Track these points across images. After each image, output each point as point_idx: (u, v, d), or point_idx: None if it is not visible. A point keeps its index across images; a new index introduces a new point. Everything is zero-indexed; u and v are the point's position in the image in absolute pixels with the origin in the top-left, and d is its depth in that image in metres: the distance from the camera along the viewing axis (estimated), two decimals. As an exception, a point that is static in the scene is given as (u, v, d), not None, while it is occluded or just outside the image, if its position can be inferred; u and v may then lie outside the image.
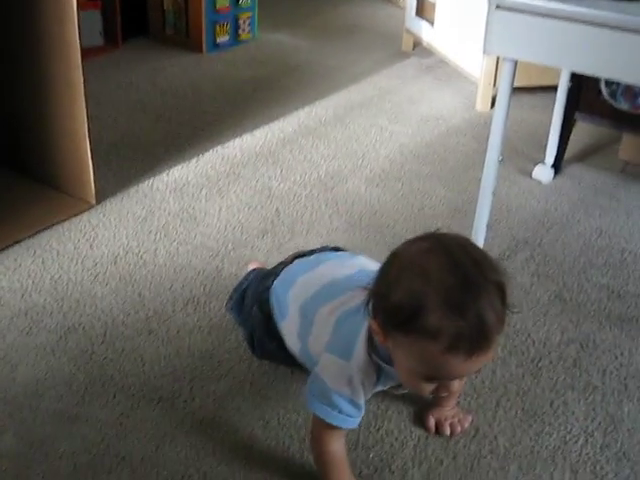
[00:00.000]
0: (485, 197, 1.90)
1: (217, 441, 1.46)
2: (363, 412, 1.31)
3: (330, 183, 2.36)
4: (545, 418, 1.54)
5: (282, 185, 2.34)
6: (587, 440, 1.49)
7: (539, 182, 2.44)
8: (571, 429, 1.52)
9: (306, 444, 1.45)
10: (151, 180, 2.33)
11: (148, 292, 1.84)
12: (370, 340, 1.25)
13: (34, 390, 1.55)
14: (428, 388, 1.19)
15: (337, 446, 1.32)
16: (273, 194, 2.29)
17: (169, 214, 2.16)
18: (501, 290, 1.11)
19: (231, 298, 1.72)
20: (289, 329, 1.46)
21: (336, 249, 1.62)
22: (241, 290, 1.70)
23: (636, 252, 2.09)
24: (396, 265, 1.16)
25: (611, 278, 1.98)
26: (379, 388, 1.33)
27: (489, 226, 1.99)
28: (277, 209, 2.21)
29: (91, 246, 2.00)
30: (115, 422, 1.49)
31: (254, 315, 1.54)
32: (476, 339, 1.08)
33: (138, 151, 2.50)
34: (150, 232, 2.07)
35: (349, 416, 1.28)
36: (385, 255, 1.20)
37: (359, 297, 1.26)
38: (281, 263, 1.58)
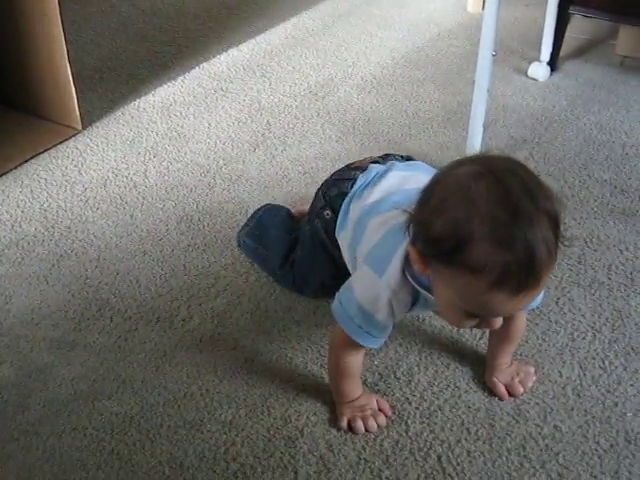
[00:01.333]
0: (480, 96, 1.85)
1: (218, 358, 1.44)
2: (387, 334, 1.26)
3: (321, 92, 2.30)
4: (551, 316, 1.52)
5: (272, 97, 2.28)
6: (595, 336, 1.47)
7: (535, 80, 2.37)
8: (578, 326, 1.50)
9: (309, 355, 1.44)
10: (137, 101, 2.27)
11: (140, 213, 1.81)
12: (407, 260, 1.16)
13: (29, 319, 1.53)
14: (469, 323, 1.11)
15: (354, 359, 1.29)
16: (263, 107, 2.23)
17: (157, 134, 2.11)
18: (554, 220, 1.00)
19: (247, 225, 1.69)
20: (345, 241, 1.38)
21: (408, 158, 1.49)
22: (257, 217, 1.68)
23: (637, 146, 2.05)
24: (439, 190, 1.05)
25: (613, 173, 1.94)
26: (418, 311, 1.28)
27: (486, 126, 1.94)
28: (268, 122, 2.16)
29: (80, 171, 1.96)
30: (113, 346, 1.47)
31: (324, 219, 1.44)
32: (524, 275, 0.98)
33: (122, 73, 2.44)
34: (139, 153, 2.02)
35: (369, 334, 1.22)
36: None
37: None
38: (357, 167, 1.45)
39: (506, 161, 1.06)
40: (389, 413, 1.32)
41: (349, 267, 1.39)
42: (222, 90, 2.32)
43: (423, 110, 2.21)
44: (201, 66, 2.46)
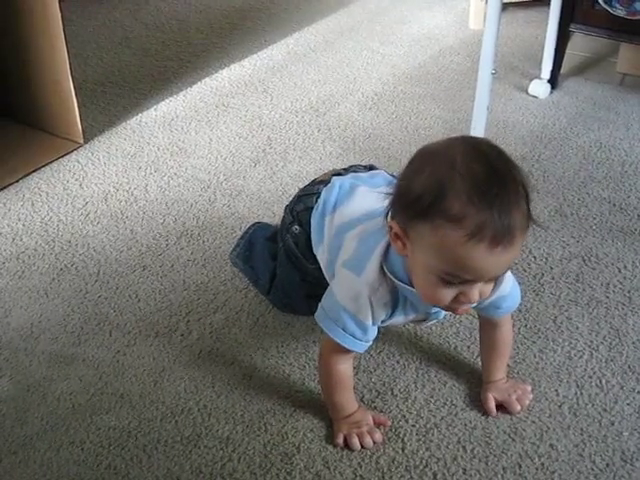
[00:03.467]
0: (480, 112, 1.86)
1: (216, 373, 1.44)
2: (371, 337, 1.26)
3: (322, 108, 2.31)
4: (549, 334, 1.52)
5: (273, 113, 2.29)
6: (592, 355, 1.47)
7: (535, 97, 2.39)
8: (575, 344, 1.50)
9: (306, 371, 1.44)
10: (139, 116, 2.28)
11: (140, 228, 1.81)
12: (385, 256, 1.20)
13: (29, 333, 1.53)
14: (447, 295, 1.11)
15: (343, 367, 1.30)
16: (264, 123, 2.24)
17: (158, 149, 2.12)
18: (525, 191, 1.05)
19: (238, 245, 1.69)
20: (324, 256, 1.39)
21: (371, 167, 1.52)
22: (247, 237, 1.68)
23: (637, 164, 2.05)
24: (419, 158, 1.10)
25: (612, 191, 1.94)
26: (399, 319, 1.28)
27: (485, 144, 1.95)
28: (269, 137, 2.17)
29: (81, 185, 1.97)
30: (112, 360, 1.47)
31: (293, 234, 1.46)
32: (500, 229, 1.01)
33: (125, 87, 2.45)
34: (140, 168, 2.03)
35: (353, 336, 1.24)
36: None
37: (383, 221, 1.21)
38: (320, 182, 1.48)
39: (483, 138, 1.14)
40: (388, 423, 1.33)
41: (329, 280, 1.38)
42: (224, 105, 2.34)
43: (423, 126, 2.22)
44: (203, 81, 2.48)
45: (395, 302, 1.23)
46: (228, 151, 2.11)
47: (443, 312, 1.28)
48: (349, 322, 1.23)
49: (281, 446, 1.31)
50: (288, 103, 2.34)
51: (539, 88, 2.39)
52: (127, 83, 2.48)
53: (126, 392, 1.41)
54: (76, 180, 1.99)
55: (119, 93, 2.42)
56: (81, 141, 2.13)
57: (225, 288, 1.63)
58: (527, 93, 2.40)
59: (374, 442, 1.30)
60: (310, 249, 1.44)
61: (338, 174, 1.47)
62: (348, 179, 1.44)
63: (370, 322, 1.23)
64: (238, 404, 1.38)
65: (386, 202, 1.17)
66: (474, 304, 1.15)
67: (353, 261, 1.25)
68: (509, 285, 1.27)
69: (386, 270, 1.20)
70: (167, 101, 2.36)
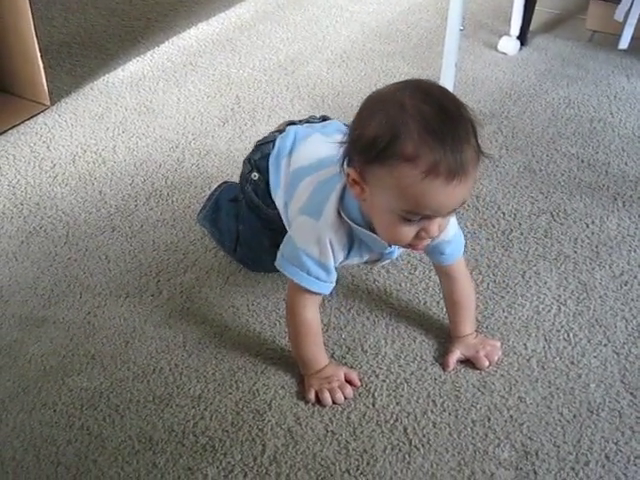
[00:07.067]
0: (448, 69, 1.86)
1: (187, 332, 1.44)
2: (334, 278, 1.29)
3: (290, 67, 2.30)
4: (517, 289, 1.53)
5: (241, 72, 2.27)
6: (560, 309, 1.49)
7: (505, 54, 2.38)
8: (544, 299, 1.51)
9: (277, 329, 1.45)
10: (106, 77, 2.26)
11: (109, 189, 1.80)
12: (341, 200, 1.24)
13: (-1, 296, 1.53)
14: (409, 233, 1.15)
15: (310, 314, 1.31)
16: (232, 81, 2.23)
17: (126, 109, 2.10)
18: (473, 128, 1.10)
19: (204, 207, 1.69)
20: (281, 200, 1.42)
21: (324, 118, 1.56)
22: (214, 199, 1.67)
23: (605, 120, 2.06)
24: (369, 103, 1.14)
25: (580, 147, 1.95)
26: (355, 259, 1.32)
27: (454, 100, 1.94)
28: (237, 96, 2.15)
29: (48, 148, 1.95)
30: (83, 322, 1.47)
31: (252, 182, 1.48)
32: (454, 164, 1.06)
33: (91, 48, 2.42)
34: (108, 129, 2.01)
35: (318, 278, 1.27)
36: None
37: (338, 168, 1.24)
38: (276, 131, 1.52)
39: (430, 81, 1.15)
40: (358, 383, 1.34)
41: (287, 225, 1.41)
42: (191, 65, 2.32)
43: (392, 84, 2.21)
44: (170, 40, 2.46)
45: (351, 244, 1.28)
46: (196, 110, 2.09)
47: (396, 252, 1.34)
48: (313, 266, 1.26)
49: (253, 403, 1.31)
50: (256, 62, 2.33)
51: (508, 45, 2.38)
52: (94, 44, 2.44)
53: (97, 353, 1.41)
54: (43, 142, 1.97)
55: (85, 54, 2.38)
56: (48, 103, 2.10)
57: (195, 248, 1.63)
58: (496, 50, 2.40)
59: (345, 397, 1.31)
60: (270, 195, 1.46)
61: (293, 123, 1.52)
62: (303, 127, 1.48)
63: (332, 262, 1.27)
64: (209, 363, 1.38)
65: (340, 150, 1.20)
66: (434, 237, 1.17)
67: (310, 207, 1.29)
68: (452, 231, 1.31)
69: (343, 214, 1.24)
70: (134, 61, 2.34)
